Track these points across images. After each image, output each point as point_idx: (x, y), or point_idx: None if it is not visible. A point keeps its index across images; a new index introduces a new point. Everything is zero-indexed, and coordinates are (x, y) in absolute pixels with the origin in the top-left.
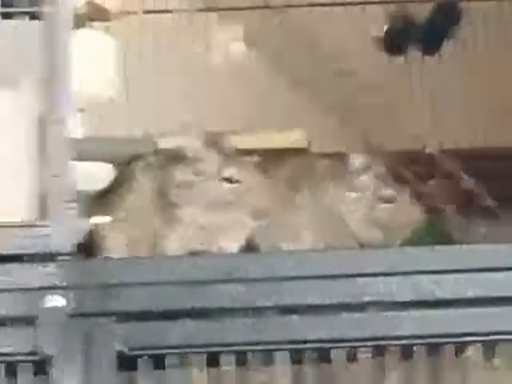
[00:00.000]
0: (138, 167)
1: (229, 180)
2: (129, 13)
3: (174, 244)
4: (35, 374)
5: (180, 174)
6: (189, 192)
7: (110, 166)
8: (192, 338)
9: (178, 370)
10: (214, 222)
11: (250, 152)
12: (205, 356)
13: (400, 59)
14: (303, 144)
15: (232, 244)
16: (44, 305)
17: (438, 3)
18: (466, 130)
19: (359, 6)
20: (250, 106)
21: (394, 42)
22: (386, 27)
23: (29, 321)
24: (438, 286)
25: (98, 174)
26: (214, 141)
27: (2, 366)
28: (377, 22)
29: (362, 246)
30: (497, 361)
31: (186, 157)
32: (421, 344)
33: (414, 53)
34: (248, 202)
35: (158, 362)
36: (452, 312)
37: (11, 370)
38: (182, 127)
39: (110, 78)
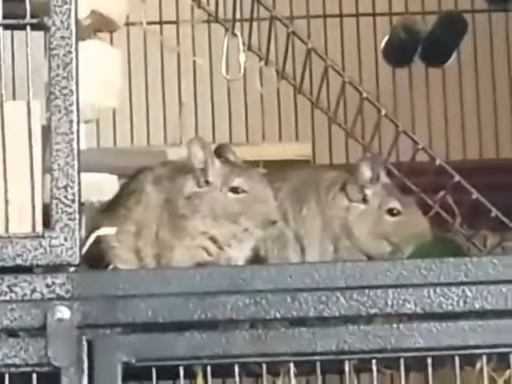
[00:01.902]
0: (147, 179)
1: (236, 190)
2: (133, 24)
3: (182, 255)
4: None
5: (187, 185)
6: (196, 203)
7: (115, 177)
8: (199, 350)
9: (185, 381)
10: (221, 232)
11: (254, 164)
12: (211, 367)
13: (405, 70)
14: (308, 156)
15: (240, 254)
16: (52, 316)
17: (441, 15)
18: (475, 141)
19: (368, 17)
20: (254, 117)
21: (397, 53)
22: (386, 38)
23: (37, 332)
24: (445, 298)
25: (103, 185)
26: (219, 152)
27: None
28: (385, 33)
29: (369, 258)
30: (508, 373)
31: (192, 168)
32: (429, 356)
33: (419, 64)
34: (255, 212)
35: (165, 374)
36: (460, 324)
37: (20, 380)
38: (187, 138)
39: (114, 88)
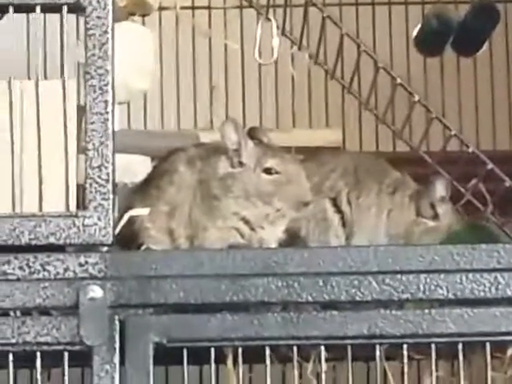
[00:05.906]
0: (180, 159)
1: (269, 171)
2: (166, 8)
3: (214, 236)
4: (76, 364)
5: (221, 166)
6: (229, 184)
7: (148, 158)
8: (230, 332)
9: (216, 363)
10: (254, 213)
11: (285, 149)
12: (242, 350)
13: (436, 60)
14: (338, 142)
15: (272, 236)
16: (85, 295)
17: (474, 4)
18: (506, 131)
19: (401, 5)
20: (284, 103)
21: (429, 42)
22: (418, 27)
23: (70, 311)
24: (477, 284)
25: (136, 167)
26: (252, 134)
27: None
28: (417, 22)
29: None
30: None
31: (226, 149)
32: (460, 342)
33: (451, 53)
34: (288, 193)
35: (196, 355)
36: (491, 311)
37: (51, 359)
38: (218, 123)
39: (147, 70)
